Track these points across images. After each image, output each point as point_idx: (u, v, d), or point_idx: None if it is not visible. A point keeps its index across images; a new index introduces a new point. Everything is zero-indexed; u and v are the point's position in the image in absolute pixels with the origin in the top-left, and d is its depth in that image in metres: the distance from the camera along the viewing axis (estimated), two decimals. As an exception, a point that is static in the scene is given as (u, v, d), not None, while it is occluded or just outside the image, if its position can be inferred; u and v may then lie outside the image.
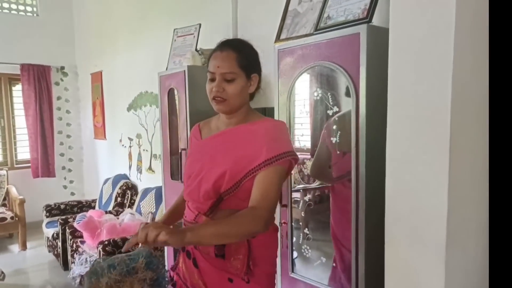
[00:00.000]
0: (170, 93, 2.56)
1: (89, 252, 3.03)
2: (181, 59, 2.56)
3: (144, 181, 4.03)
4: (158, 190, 3.44)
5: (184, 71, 2.34)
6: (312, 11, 1.70)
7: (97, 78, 4.88)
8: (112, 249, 2.75)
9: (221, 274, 1.24)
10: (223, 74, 1.20)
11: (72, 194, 5.48)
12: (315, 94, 1.56)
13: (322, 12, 1.55)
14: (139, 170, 4.14)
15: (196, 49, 2.48)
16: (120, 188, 4.09)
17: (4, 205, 4.66)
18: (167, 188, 2.68)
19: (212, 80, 1.23)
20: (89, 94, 5.13)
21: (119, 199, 4.02)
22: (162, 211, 3.24)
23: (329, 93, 1.51)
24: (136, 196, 3.98)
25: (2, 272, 2.69)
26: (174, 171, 2.61)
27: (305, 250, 1.68)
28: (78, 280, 2.97)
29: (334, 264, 1.57)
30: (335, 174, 1.56)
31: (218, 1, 2.72)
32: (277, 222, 1.46)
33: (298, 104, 1.65)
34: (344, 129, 1.47)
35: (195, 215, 1.29)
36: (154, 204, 3.39)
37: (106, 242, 2.76)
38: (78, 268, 2.94)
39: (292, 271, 1.73)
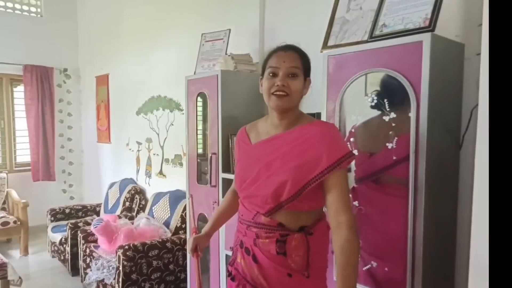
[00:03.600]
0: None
1: (106, 257, 2.97)
2: (210, 63, 2.56)
3: (154, 185, 3.99)
4: (173, 195, 3.41)
5: (217, 75, 2.35)
6: (362, 19, 1.73)
7: (103, 81, 4.82)
8: (133, 254, 2.70)
9: (281, 270, 1.27)
10: (289, 68, 1.23)
11: (72, 198, 5.37)
12: (370, 100, 1.59)
13: (377, 20, 1.59)
14: (148, 174, 4.09)
15: (226, 54, 2.49)
16: (128, 192, 4.03)
17: (3, 209, 4.52)
18: (192, 192, 2.65)
19: (274, 75, 1.25)
20: (93, 97, 5.06)
21: (127, 203, 3.96)
22: (178, 215, 3.21)
23: (386, 100, 1.54)
24: (145, 201, 3.95)
25: (20, 278, 2.61)
26: (200, 176, 2.60)
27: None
28: (94, 286, 2.90)
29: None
30: (358, 176, 1.62)
31: (246, 7, 2.74)
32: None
33: (349, 110, 1.67)
34: (371, 132, 1.58)
35: (253, 215, 1.31)
36: (168, 209, 3.36)
37: (127, 247, 2.71)
38: (95, 273, 2.87)
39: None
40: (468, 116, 1.53)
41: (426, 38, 1.39)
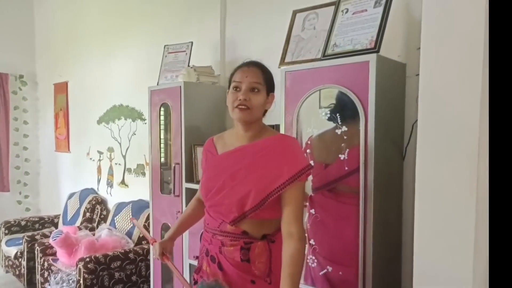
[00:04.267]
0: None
1: (65, 270, 2.89)
2: (173, 74, 2.60)
3: (116, 195, 3.93)
4: (135, 205, 3.39)
5: (180, 86, 2.39)
6: (316, 38, 1.85)
7: (61, 88, 4.69)
8: (94, 266, 2.66)
9: (244, 277, 1.34)
10: (251, 83, 1.31)
11: (27, 209, 5.14)
12: (324, 114, 1.70)
13: (329, 40, 1.71)
14: (110, 184, 4.02)
15: (189, 66, 2.54)
16: (89, 203, 3.94)
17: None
18: (155, 202, 2.67)
19: (237, 90, 1.32)
20: (51, 104, 4.90)
21: (88, 214, 3.87)
22: (141, 225, 3.19)
23: (338, 114, 1.66)
24: (107, 211, 3.88)
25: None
26: (163, 185, 2.62)
27: (311, 259, 1.79)
28: (53, 301, 2.82)
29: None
30: (314, 185, 1.73)
31: (207, 20, 2.81)
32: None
33: (305, 123, 1.78)
34: (325, 144, 1.70)
35: (219, 223, 1.37)
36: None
37: (88, 259, 2.67)
38: (54, 287, 2.79)
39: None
40: (410, 130, 1.68)
41: (372, 58, 1.52)
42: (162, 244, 1.57)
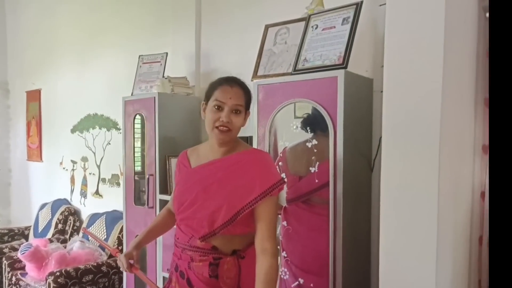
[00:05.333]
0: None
1: (34, 285, 2.81)
2: (148, 85, 2.59)
3: (89, 206, 3.85)
4: (109, 216, 3.33)
5: (154, 97, 2.38)
6: (287, 52, 1.89)
7: (34, 96, 4.58)
8: (64, 280, 2.59)
9: None
10: (235, 105, 1.30)
11: (-3, 221, 4.96)
12: (294, 127, 1.74)
13: (299, 55, 1.75)
14: (84, 194, 3.94)
15: (163, 77, 2.54)
16: (61, 214, 3.84)
17: None
18: (129, 213, 2.63)
19: (219, 109, 1.30)
20: (23, 112, 4.77)
21: (60, 225, 3.78)
22: (114, 237, 3.14)
23: (308, 127, 1.69)
24: (80, 222, 3.79)
25: None
26: (138, 196, 2.59)
27: (283, 272, 1.81)
28: (21, 317, 2.73)
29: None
30: (289, 197, 1.76)
31: (182, 32, 2.82)
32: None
33: (278, 135, 1.81)
34: (297, 157, 1.73)
35: (189, 238, 1.36)
36: (105, 231, 3.26)
37: (58, 273, 2.60)
38: (22, 303, 2.70)
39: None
40: (377, 142, 1.74)
41: (340, 74, 1.57)
42: (127, 256, 1.48)
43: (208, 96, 1.36)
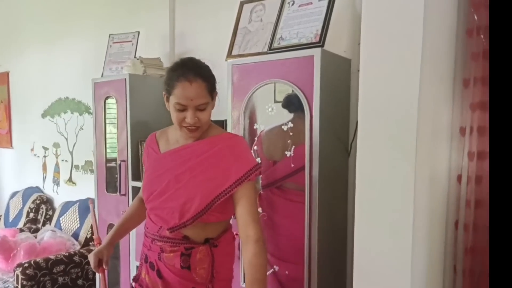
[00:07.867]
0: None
1: (1, 277, 2.69)
2: (118, 66, 2.46)
3: (62, 194, 3.71)
4: (83, 204, 3.22)
5: (125, 79, 2.26)
6: (263, 30, 1.80)
7: (2, 79, 4.35)
8: (34, 272, 2.49)
9: (185, 284, 1.27)
10: (198, 106, 1.20)
11: (-34, 211, 4.76)
12: (270, 109, 1.66)
13: (275, 33, 1.66)
14: (56, 182, 3.80)
15: (135, 57, 2.41)
16: (33, 202, 3.70)
17: None
18: (101, 201, 2.53)
19: (181, 109, 1.20)
20: (-9, 97, 4.54)
21: (31, 214, 3.64)
22: (88, 226, 3.04)
23: (284, 110, 1.62)
24: (53, 211, 3.66)
25: None
26: (110, 184, 2.48)
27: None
28: (-12, 310, 2.62)
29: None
30: (263, 182, 1.69)
31: (155, 10, 2.68)
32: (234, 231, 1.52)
33: (253, 118, 1.72)
34: (272, 141, 1.66)
35: (158, 228, 1.30)
36: (78, 219, 3.15)
37: (26, 265, 2.49)
38: (-11, 296, 2.59)
39: (244, 281, 1.79)
40: (355, 125, 1.68)
41: (316, 53, 1.48)
42: (97, 254, 1.40)
43: (168, 90, 1.23)
